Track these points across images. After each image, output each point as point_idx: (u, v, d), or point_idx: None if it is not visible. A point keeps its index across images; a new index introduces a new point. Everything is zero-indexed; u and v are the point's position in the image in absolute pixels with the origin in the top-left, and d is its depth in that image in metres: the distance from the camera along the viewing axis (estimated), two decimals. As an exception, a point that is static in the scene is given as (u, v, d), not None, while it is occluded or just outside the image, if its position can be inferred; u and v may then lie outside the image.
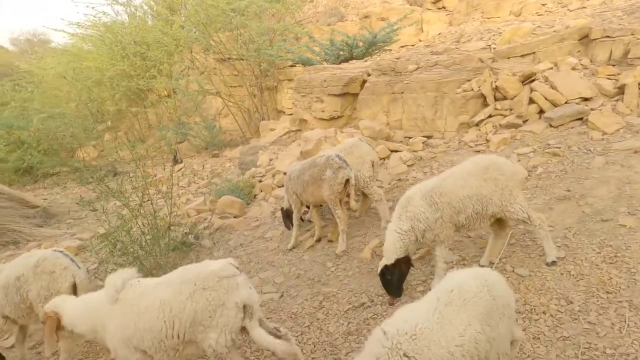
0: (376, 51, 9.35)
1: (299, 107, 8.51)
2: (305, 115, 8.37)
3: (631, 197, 3.66)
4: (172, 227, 4.48)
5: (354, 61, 8.67)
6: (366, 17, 11.10)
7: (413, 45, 10.57)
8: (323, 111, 7.94)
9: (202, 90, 10.78)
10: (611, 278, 2.83)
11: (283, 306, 3.57)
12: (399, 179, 5.66)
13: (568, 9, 7.45)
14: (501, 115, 6.02)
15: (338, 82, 7.61)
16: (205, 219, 5.61)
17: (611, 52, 5.66)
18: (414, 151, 6.24)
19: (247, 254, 4.68)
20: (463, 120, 6.38)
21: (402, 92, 6.90)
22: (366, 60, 8.43)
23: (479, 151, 5.63)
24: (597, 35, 5.80)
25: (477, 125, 6.23)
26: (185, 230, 4.86)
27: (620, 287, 2.73)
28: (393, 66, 7.24)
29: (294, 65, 10.76)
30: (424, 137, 6.59)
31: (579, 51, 6.09)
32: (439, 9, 10.55)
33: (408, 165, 5.87)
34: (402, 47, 10.70)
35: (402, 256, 3.21)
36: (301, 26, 11.01)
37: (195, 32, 11.12)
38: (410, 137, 6.71)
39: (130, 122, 14.01)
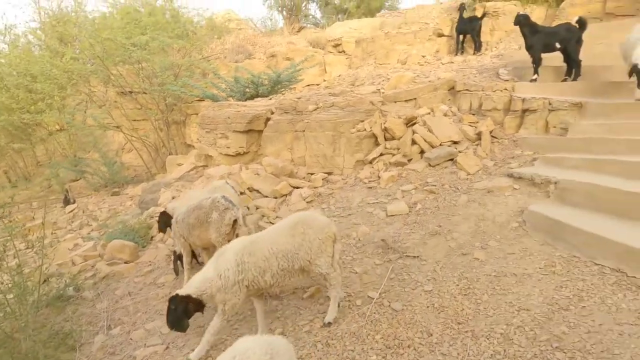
0: (282, 89, 9.72)
1: (204, 142, 8.45)
2: (210, 151, 8.32)
3: (484, 232, 4.27)
4: (48, 280, 4.10)
5: (259, 99, 8.91)
6: (272, 56, 11.55)
7: (318, 85, 11.20)
8: (228, 147, 7.98)
9: (100, 125, 10.13)
10: (463, 309, 3.25)
11: (167, 359, 3.46)
12: (298, 216, 5.88)
13: (441, 62, 8.60)
14: (390, 154, 6.62)
15: (242, 119, 7.75)
16: (92, 267, 5.22)
17: (471, 103, 6.66)
18: (315, 187, 6.54)
19: (134, 304, 4.44)
20: (359, 157, 6.87)
21: (304, 131, 7.26)
22: (271, 99, 8.72)
23: (371, 187, 6.11)
24: (460, 87, 6.80)
25: (370, 162, 6.76)
26: (64, 282, 4.46)
27: (468, 318, 3.14)
28: (294, 105, 7.61)
29: (203, 100, 10.70)
30: (325, 173, 6.95)
31: (449, 100, 7.04)
32: (340, 52, 11.41)
33: (307, 202, 6.13)
34: (307, 85, 11.28)
35: (195, 296, 3.24)
36: (208, 62, 11.05)
37: (91, 65, 10.51)
38: (312, 174, 7.05)
39: (12, 160, 12.52)
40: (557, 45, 6.18)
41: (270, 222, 5.65)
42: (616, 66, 6.00)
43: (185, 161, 9.67)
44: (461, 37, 9.22)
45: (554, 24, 7.79)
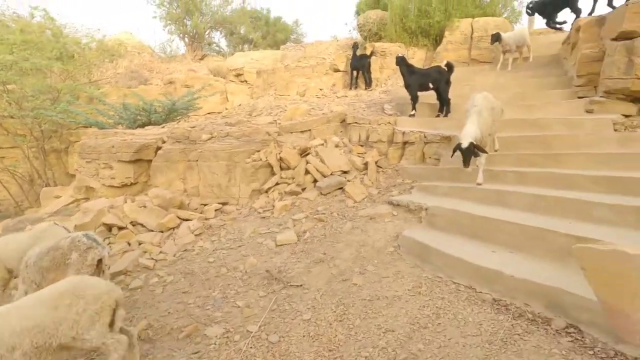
0: (178, 117, 9.39)
1: (85, 173, 7.71)
2: (92, 182, 7.60)
3: (364, 258, 4.46)
4: None
5: (150, 127, 8.47)
6: (170, 82, 11.17)
7: (219, 113, 11.06)
8: (113, 178, 7.38)
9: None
10: (337, 335, 3.30)
11: None
12: (185, 250, 5.55)
13: (336, 96, 9.13)
14: (286, 183, 6.69)
15: (129, 148, 7.26)
16: None
17: (360, 135, 7.11)
18: (206, 219, 6.30)
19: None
20: (255, 187, 6.83)
21: (197, 160, 7.03)
22: (163, 127, 8.34)
23: (265, 217, 6.07)
24: (350, 120, 7.25)
25: (266, 192, 6.76)
26: None
27: (339, 344, 3.20)
28: (187, 134, 7.37)
29: (89, 127, 9.83)
30: (220, 203, 6.76)
31: (341, 131, 7.43)
32: (242, 82, 11.47)
33: (196, 235, 5.85)
34: (208, 114, 11.07)
35: None
36: (97, 87, 10.26)
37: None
38: (206, 204, 6.81)
39: None
40: (430, 85, 6.94)
41: (153, 259, 5.27)
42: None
43: (64, 193, 8.69)
44: (355, 73, 9.92)
45: (433, 64, 8.81)
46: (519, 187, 4.88)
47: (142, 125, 8.67)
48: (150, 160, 7.43)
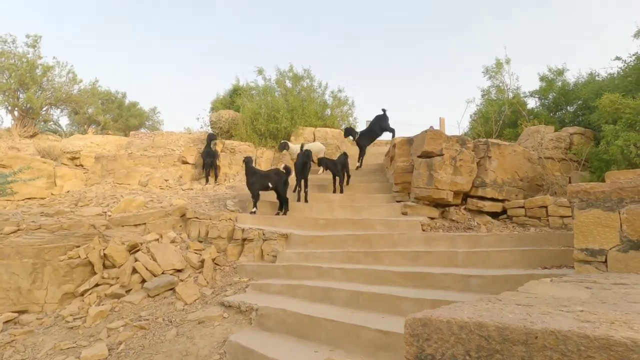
0: (-20, 203, 7.78)
1: None
2: None
3: (182, 370, 4.07)
4: None
5: None
6: (-20, 160, 9.40)
7: (43, 199, 9.58)
8: None
9: None
10: None
11: None
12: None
13: (182, 188, 8.94)
14: (108, 284, 5.93)
15: None
16: None
17: (199, 231, 6.96)
18: (-10, 335, 5.03)
19: None
20: (68, 289, 5.88)
21: (-7, 258, 5.78)
22: (-47, 215, 6.77)
23: (73, 327, 5.16)
24: (191, 215, 7.09)
25: (82, 295, 5.85)
26: None
27: None
28: (-16, 226, 6.11)
29: None
30: (16, 312, 5.56)
31: (180, 226, 7.16)
32: (77, 166, 10.37)
33: (-33, 359, 4.57)
34: (27, 199, 9.47)
35: None
36: None
37: None
38: (-4, 315, 5.47)
39: None
40: (270, 185, 7.39)
41: None
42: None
43: None
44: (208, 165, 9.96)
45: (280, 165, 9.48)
46: (344, 284, 5.28)
47: None
48: None
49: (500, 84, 11.19)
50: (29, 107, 14.49)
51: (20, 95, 14.80)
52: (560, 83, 9.99)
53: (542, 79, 10.24)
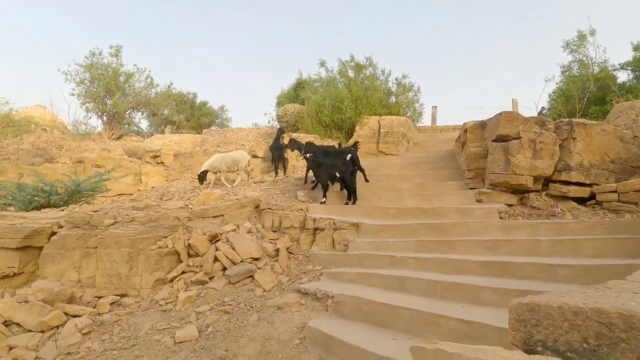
0: (83, 199, 8.79)
1: (-47, 262, 6.65)
2: (-38, 274, 6.56)
3: (268, 353, 4.29)
4: None
5: (47, 210, 7.79)
6: (80, 162, 10.61)
7: (131, 194, 10.58)
8: (-9, 268, 6.46)
9: None
10: None
11: None
12: (68, 353, 4.87)
13: (253, 181, 9.34)
14: (193, 272, 6.39)
15: (16, 234, 6.52)
16: None
17: (273, 221, 7.24)
18: (99, 314, 5.68)
19: None
20: (159, 276, 6.40)
21: (97, 247, 6.50)
22: (63, 210, 7.72)
23: (166, 310, 5.64)
24: (264, 206, 7.39)
25: (171, 281, 6.36)
26: None
27: None
28: (88, 219, 6.88)
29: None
30: (118, 295, 6.19)
31: (255, 217, 7.49)
32: (158, 163, 11.28)
33: (84, 334, 5.20)
34: (119, 195, 10.53)
35: None
36: (-11, 163, 9.40)
37: None
38: (101, 297, 6.17)
39: None
40: (337, 174, 7.46)
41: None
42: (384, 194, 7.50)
43: None
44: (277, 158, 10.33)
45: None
46: (419, 273, 5.20)
47: (39, 208, 7.94)
48: (42, 247, 6.71)
49: (584, 58, 10.17)
50: (115, 111, 15.98)
51: (107, 101, 16.38)
52: (658, 51, 8.86)
53: (636, 48, 9.14)
